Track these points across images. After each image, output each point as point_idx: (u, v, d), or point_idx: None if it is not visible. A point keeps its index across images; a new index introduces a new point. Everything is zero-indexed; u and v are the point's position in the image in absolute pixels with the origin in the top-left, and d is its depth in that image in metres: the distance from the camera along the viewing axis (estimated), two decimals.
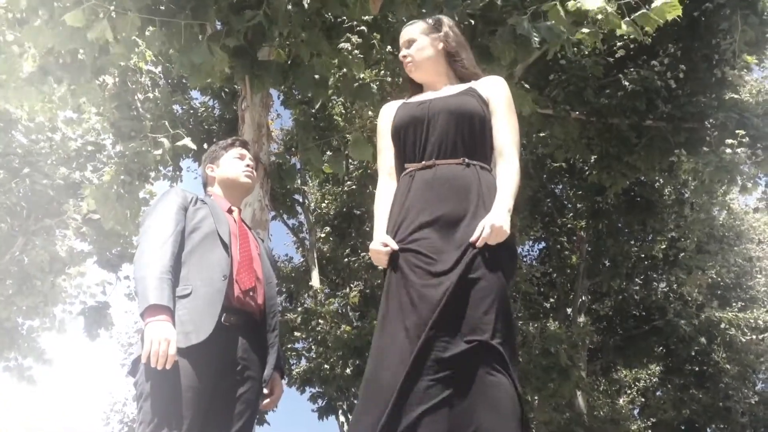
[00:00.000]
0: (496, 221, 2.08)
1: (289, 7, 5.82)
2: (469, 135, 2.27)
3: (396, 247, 2.19)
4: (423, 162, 2.28)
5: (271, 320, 2.51)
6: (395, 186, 2.41)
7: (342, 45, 6.42)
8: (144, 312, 2.19)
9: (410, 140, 2.34)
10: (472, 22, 5.90)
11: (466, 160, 2.24)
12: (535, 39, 5.19)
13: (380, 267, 2.27)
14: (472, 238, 2.09)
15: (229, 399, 2.33)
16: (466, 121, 2.27)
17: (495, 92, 2.36)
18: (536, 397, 11.50)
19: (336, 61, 6.43)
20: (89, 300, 10.77)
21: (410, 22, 2.52)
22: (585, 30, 5.19)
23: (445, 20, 2.49)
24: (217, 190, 2.71)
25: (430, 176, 2.24)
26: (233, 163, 2.71)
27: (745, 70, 8.92)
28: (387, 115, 2.48)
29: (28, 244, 9.26)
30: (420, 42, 2.44)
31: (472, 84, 2.40)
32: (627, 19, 5.06)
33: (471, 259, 2.06)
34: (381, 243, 2.23)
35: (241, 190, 2.72)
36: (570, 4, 5.02)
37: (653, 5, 4.85)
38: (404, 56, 2.46)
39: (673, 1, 4.73)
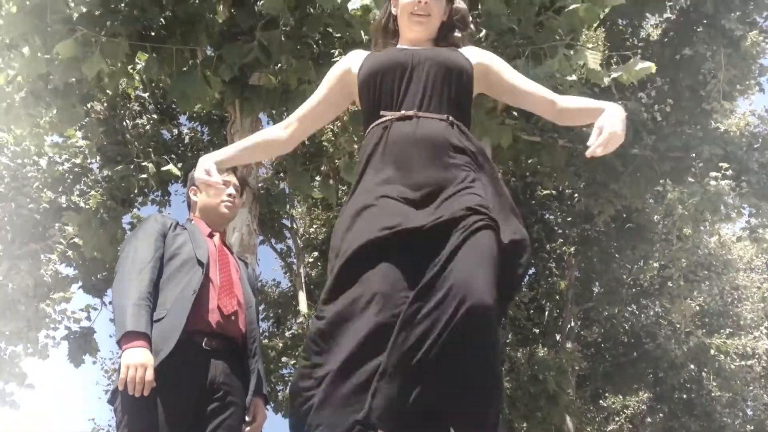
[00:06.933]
0: (617, 126, 1.86)
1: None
2: (456, 91, 2.02)
3: (219, 180, 2.07)
4: (402, 111, 1.97)
5: (252, 345, 2.49)
6: (280, 138, 2.20)
7: None
8: (121, 339, 2.18)
9: (388, 86, 2.02)
10: None
11: (451, 118, 1.97)
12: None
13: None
14: (589, 151, 1.90)
15: (211, 425, 2.30)
16: (455, 74, 2.02)
17: (487, 56, 2.15)
18: (525, 424, 11.42)
19: None
20: (73, 325, 10.66)
21: None
22: (573, 77, 5.42)
23: None
24: (198, 215, 2.70)
25: (410, 130, 1.93)
26: (215, 191, 2.66)
27: (729, 107, 9.09)
28: (351, 60, 2.16)
29: (12, 268, 9.16)
30: (440, 3, 2.14)
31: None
32: (607, 78, 5.31)
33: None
34: (204, 170, 2.06)
35: (221, 219, 2.69)
36: (574, 59, 5.22)
37: (635, 68, 5.06)
38: (426, 2, 2.09)
39: (649, 67, 4.96)
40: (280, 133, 2.20)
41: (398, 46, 2.17)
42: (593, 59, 5.24)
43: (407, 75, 2.01)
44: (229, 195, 2.66)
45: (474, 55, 2.12)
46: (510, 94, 2.17)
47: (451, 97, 2.00)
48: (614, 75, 5.32)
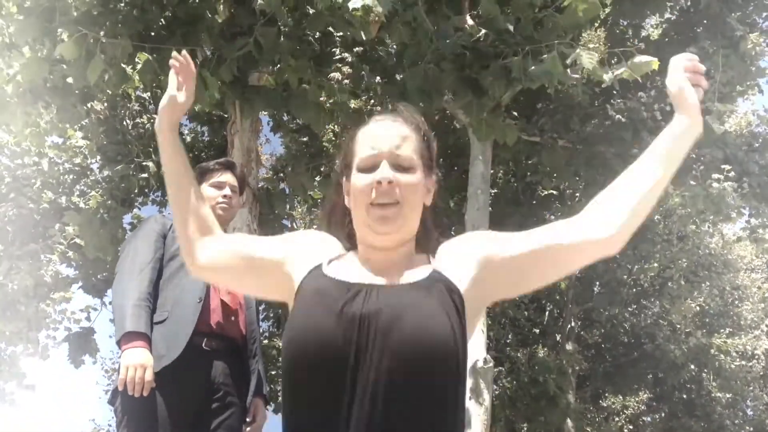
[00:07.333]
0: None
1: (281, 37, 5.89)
2: (433, 393, 1.11)
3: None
4: None
5: (252, 346, 2.49)
6: (198, 242, 1.50)
7: (332, 75, 6.49)
8: (121, 339, 2.18)
9: (317, 383, 1.13)
10: (467, 53, 5.99)
11: None
12: (530, 81, 5.44)
13: None
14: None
15: (211, 425, 2.30)
16: (429, 368, 1.10)
17: (479, 247, 1.30)
18: (525, 425, 11.42)
19: (324, 89, 6.49)
20: (74, 326, 10.66)
21: (394, 116, 1.35)
22: (576, 76, 5.47)
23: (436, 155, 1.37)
24: None
25: None
26: (209, 193, 2.63)
27: (723, 109, 9.10)
28: (298, 264, 1.36)
29: (12, 268, 9.16)
30: (417, 176, 1.26)
31: (433, 263, 1.27)
32: (608, 74, 5.34)
33: None
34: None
35: (218, 221, 2.66)
36: (569, 61, 5.25)
37: (633, 61, 5.08)
38: (389, 182, 1.21)
39: (652, 62, 4.97)
40: (199, 245, 1.51)
41: (351, 257, 1.32)
42: (588, 59, 5.24)
43: (349, 367, 1.10)
44: (224, 196, 2.64)
45: (457, 267, 1.25)
46: (533, 261, 1.33)
47: (422, 407, 1.09)
48: (617, 72, 5.32)
